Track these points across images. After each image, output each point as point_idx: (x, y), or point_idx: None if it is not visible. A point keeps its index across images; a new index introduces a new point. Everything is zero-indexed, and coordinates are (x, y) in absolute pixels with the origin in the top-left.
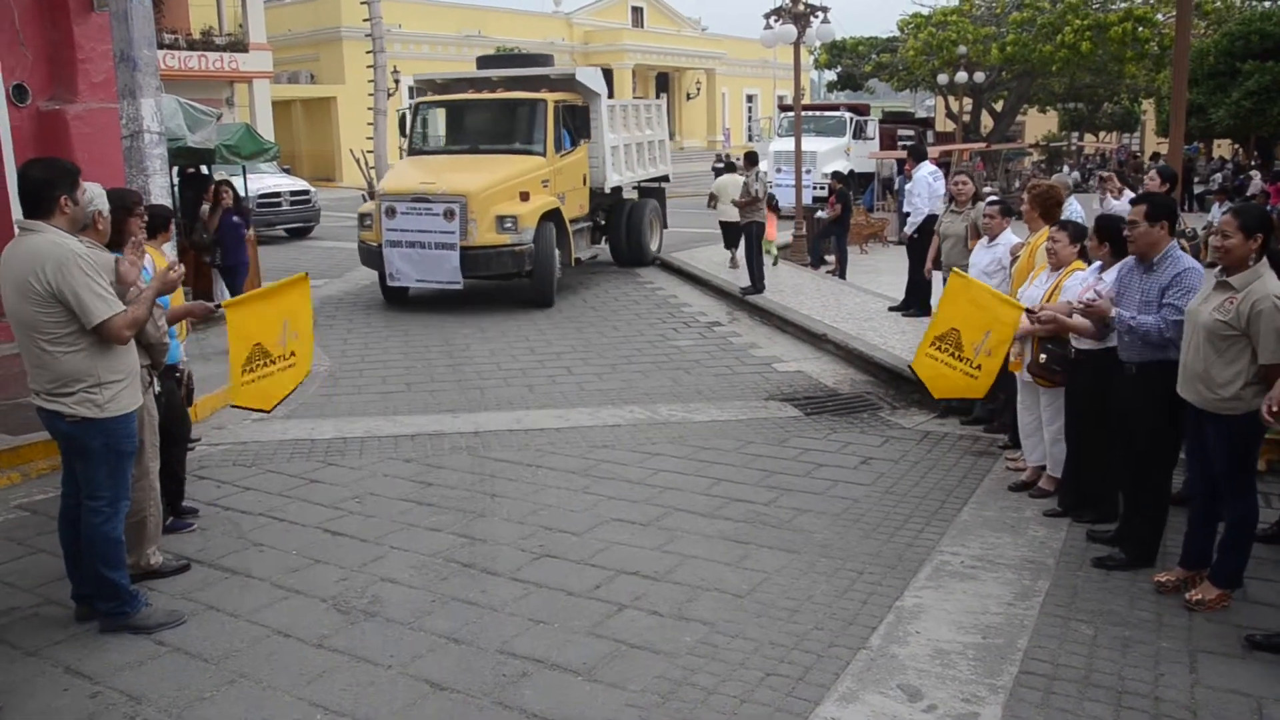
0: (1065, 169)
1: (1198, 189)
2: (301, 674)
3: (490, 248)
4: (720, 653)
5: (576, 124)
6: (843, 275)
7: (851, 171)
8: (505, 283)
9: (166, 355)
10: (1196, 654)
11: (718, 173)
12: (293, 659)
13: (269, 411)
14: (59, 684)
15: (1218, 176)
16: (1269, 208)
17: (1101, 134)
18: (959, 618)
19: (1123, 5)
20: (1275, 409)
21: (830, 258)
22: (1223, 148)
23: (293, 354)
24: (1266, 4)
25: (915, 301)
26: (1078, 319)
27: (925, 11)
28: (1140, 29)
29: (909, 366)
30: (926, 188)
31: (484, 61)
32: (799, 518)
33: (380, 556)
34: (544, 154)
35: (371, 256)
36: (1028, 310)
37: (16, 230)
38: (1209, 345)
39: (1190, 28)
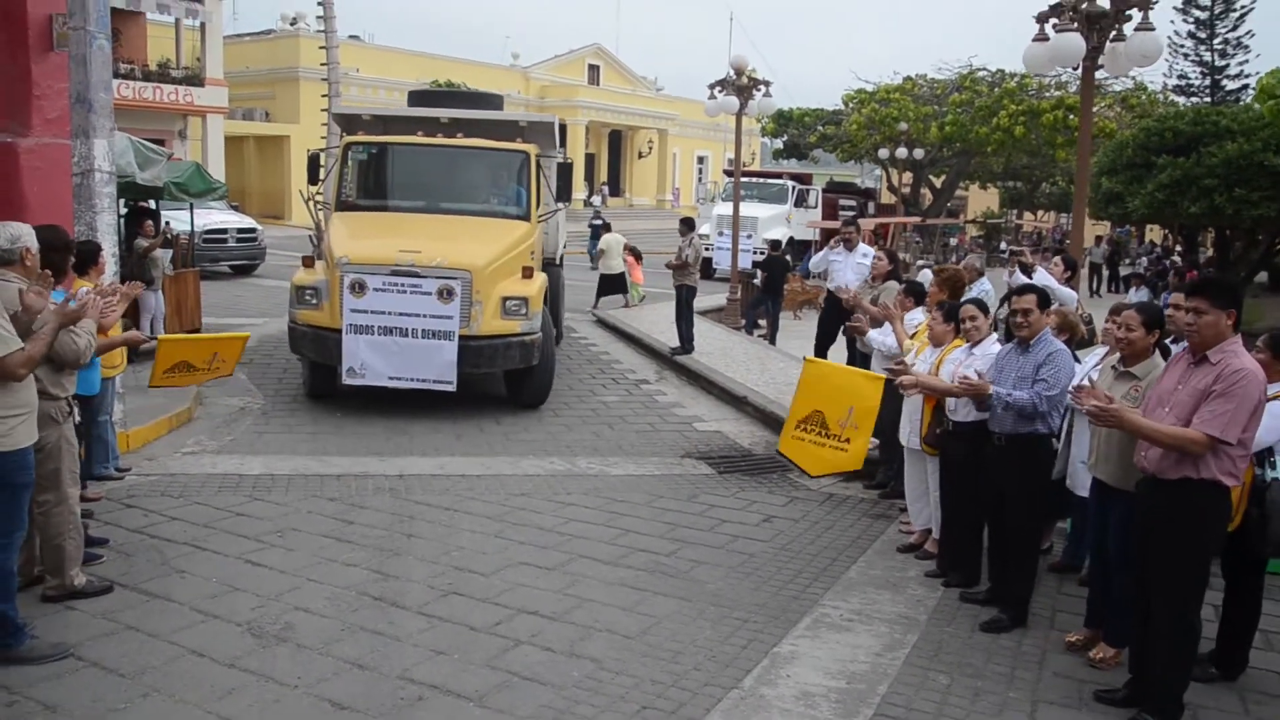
0: (1003, 245)
1: (1126, 270)
2: (212, 690)
3: (496, 337)
4: (603, 687)
5: (559, 182)
6: (773, 340)
7: (791, 238)
8: (473, 377)
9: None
10: (1038, 704)
11: (594, 229)
12: (205, 677)
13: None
14: None
15: (1143, 260)
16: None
17: (1040, 212)
18: (829, 665)
19: (1056, 94)
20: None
21: (764, 322)
22: (1154, 232)
23: (217, 369)
24: (1184, 100)
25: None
26: (941, 381)
27: (869, 88)
28: (1071, 117)
29: (777, 451)
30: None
31: (418, 98)
32: (696, 569)
33: (296, 587)
34: (528, 218)
35: (316, 344)
36: (890, 378)
37: None
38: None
39: (1091, 129)
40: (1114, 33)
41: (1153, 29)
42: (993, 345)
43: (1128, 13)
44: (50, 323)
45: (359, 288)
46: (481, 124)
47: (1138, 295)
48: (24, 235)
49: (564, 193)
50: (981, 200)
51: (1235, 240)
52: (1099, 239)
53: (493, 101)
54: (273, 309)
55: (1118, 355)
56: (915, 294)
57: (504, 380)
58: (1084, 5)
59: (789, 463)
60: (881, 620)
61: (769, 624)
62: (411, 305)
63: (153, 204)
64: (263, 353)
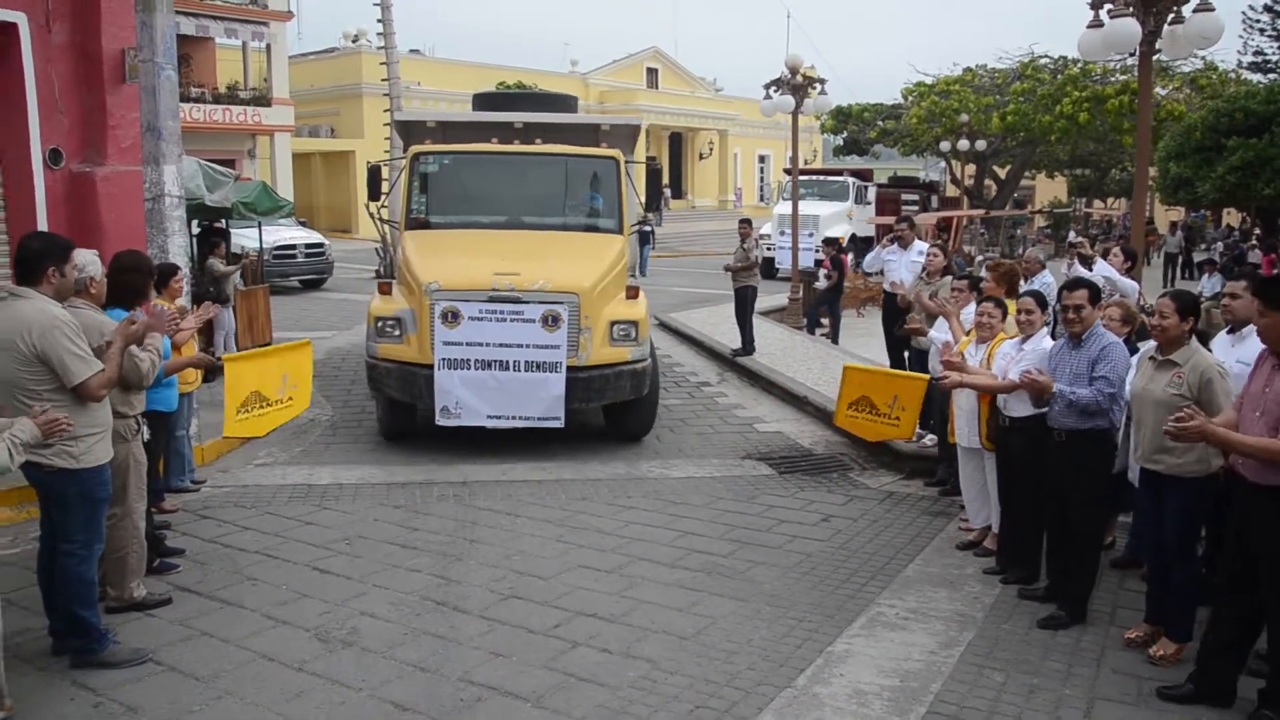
0: (1072, 234)
1: (1200, 256)
2: (282, 693)
3: (606, 367)
4: (658, 687)
5: (649, 189)
6: (835, 339)
7: (853, 236)
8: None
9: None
10: (1095, 701)
11: (642, 235)
12: (275, 680)
13: (263, 436)
14: (66, 695)
15: (1219, 245)
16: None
17: (1110, 199)
18: (883, 663)
19: (1120, 78)
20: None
21: (826, 321)
22: (1231, 215)
23: (290, 398)
24: (1256, 77)
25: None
26: (986, 378)
27: (928, 80)
28: (1136, 101)
29: (835, 424)
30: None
31: (483, 101)
32: (753, 569)
33: (362, 593)
34: (621, 230)
35: (402, 381)
36: (935, 378)
37: (3, 294)
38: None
39: (1157, 114)
40: (1172, 15)
41: (1212, 9)
42: (1044, 340)
43: None
44: (116, 343)
45: (452, 317)
46: (557, 128)
47: (1210, 283)
48: (89, 264)
49: (653, 200)
50: (1049, 189)
51: None
52: (1174, 225)
53: (566, 103)
54: (340, 322)
55: (1155, 345)
56: (974, 288)
57: (603, 412)
58: None
59: (848, 438)
60: (938, 618)
61: (824, 623)
62: (513, 335)
63: (224, 223)
64: (331, 365)
